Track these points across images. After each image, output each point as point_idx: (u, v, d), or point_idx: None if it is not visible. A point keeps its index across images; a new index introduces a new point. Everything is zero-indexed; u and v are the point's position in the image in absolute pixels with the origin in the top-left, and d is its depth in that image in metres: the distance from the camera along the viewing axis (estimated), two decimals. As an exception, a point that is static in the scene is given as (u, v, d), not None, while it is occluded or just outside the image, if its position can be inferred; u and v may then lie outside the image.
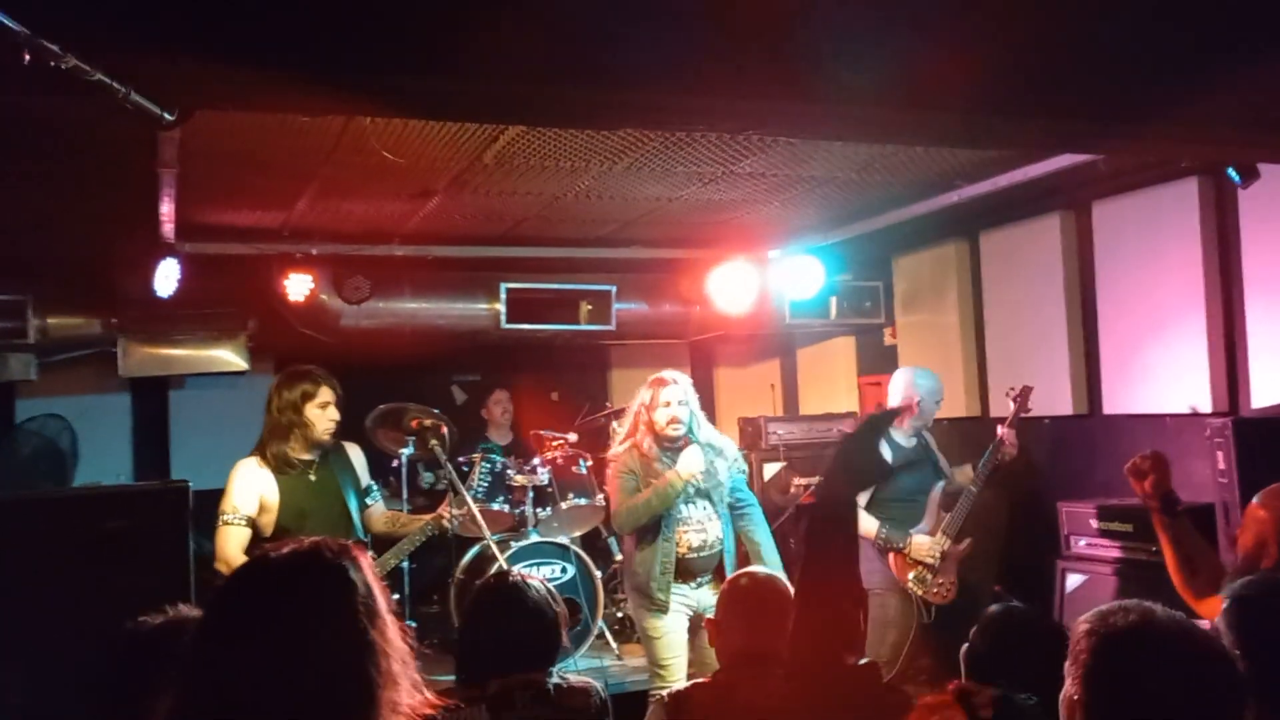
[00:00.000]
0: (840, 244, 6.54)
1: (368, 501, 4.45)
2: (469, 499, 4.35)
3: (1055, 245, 5.67)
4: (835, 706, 1.92)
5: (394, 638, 1.53)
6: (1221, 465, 4.21)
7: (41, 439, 6.29)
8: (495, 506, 5.88)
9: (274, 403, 4.26)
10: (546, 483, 6.11)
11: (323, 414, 4.23)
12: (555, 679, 2.61)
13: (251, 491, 4.15)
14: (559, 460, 6.23)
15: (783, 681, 2.06)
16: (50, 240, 5.65)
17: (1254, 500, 3.08)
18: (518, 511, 6.07)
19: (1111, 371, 5.44)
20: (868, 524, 4.97)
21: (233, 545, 4.07)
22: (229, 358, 6.58)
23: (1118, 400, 5.41)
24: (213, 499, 4.28)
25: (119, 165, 4.16)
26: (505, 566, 4.24)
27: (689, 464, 4.47)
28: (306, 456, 4.26)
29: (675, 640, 4.49)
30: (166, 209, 4.61)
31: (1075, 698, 1.82)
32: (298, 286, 5.84)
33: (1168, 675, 1.75)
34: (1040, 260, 5.76)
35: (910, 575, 5.00)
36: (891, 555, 5.02)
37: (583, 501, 6.14)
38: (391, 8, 2.07)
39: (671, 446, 4.59)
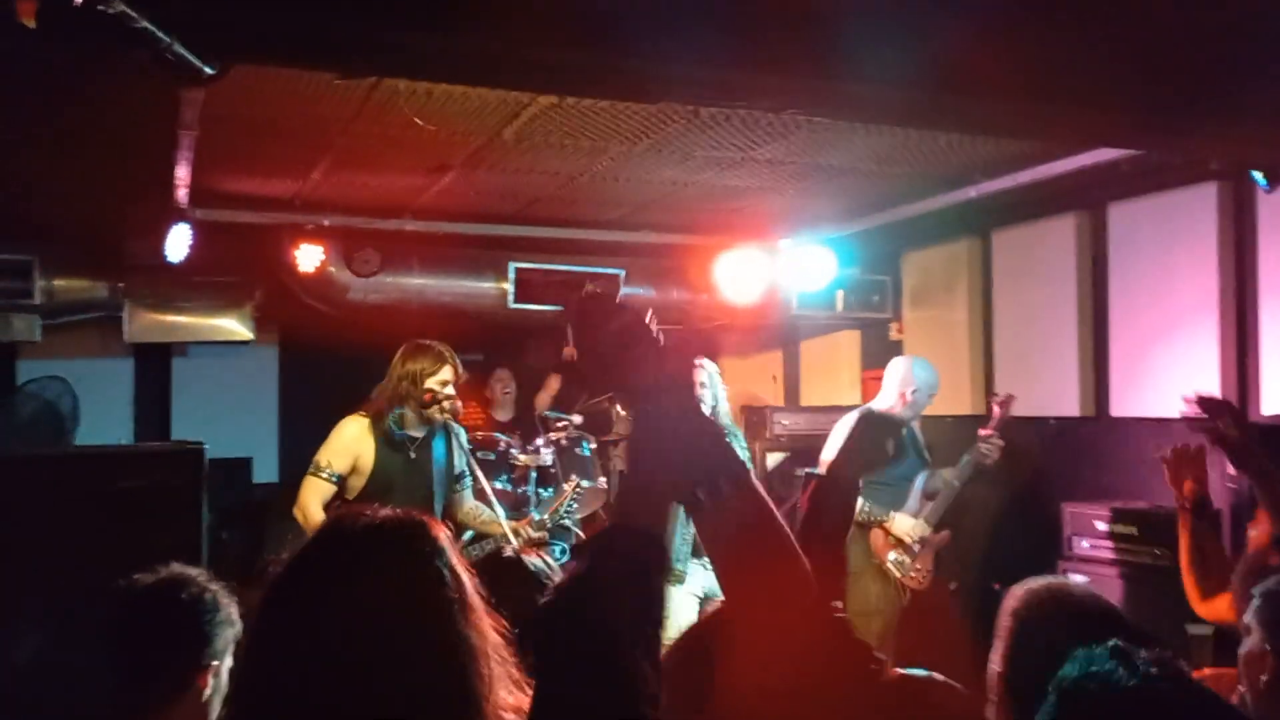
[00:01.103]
0: (850, 236, 6.53)
1: (457, 488, 4.46)
2: (483, 479, 4.36)
3: (1069, 246, 5.66)
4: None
5: (488, 631, 1.37)
6: (1231, 471, 4.22)
7: (41, 401, 6.25)
8: (498, 485, 5.87)
9: (395, 371, 4.27)
10: (550, 463, 6.10)
11: (440, 391, 4.23)
12: None
13: (350, 452, 4.18)
14: (562, 442, 6.22)
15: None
16: (61, 201, 5.61)
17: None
18: (519, 491, 6.06)
19: (1120, 374, 5.43)
20: None
21: (315, 498, 4.11)
22: (234, 327, 6.54)
23: (1126, 403, 5.41)
24: (215, 467, 4.28)
25: (137, 127, 4.12)
26: (515, 546, 4.25)
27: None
28: (415, 433, 4.26)
29: (680, 623, 4.48)
30: (182, 173, 4.57)
31: (997, 670, 1.93)
32: (308, 257, 5.81)
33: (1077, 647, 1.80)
34: (1053, 260, 5.74)
35: (890, 555, 5.06)
36: (873, 531, 5.08)
37: (585, 484, 6.13)
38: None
39: None
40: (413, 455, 4.28)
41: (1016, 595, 2.04)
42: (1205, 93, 2.84)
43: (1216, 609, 3.11)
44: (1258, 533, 3.07)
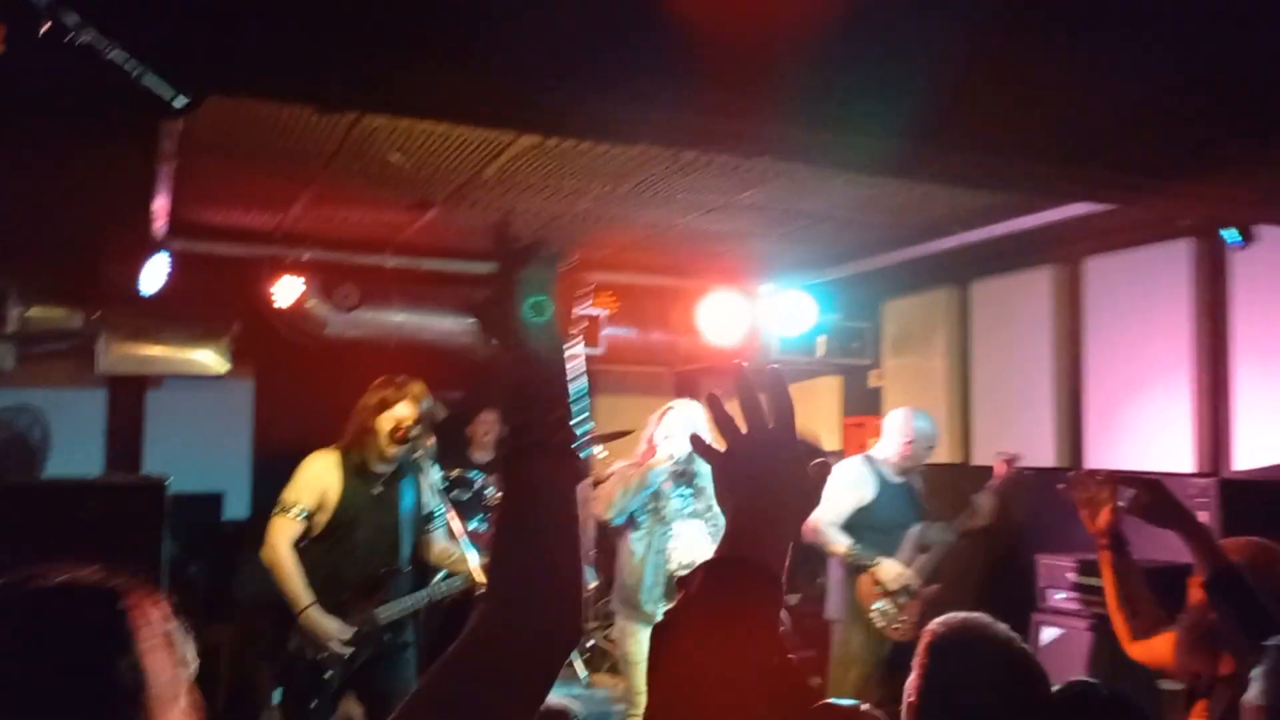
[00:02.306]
0: (832, 283, 6.56)
1: (428, 528, 4.39)
2: (455, 524, 4.31)
3: (1046, 298, 5.70)
4: None
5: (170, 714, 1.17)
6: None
7: (10, 431, 6.19)
8: (472, 526, 5.81)
9: (360, 403, 4.23)
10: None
11: (402, 424, 4.18)
12: None
13: (316, 486, 4.12)
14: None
15: None
16: (37, 230, 5.57)
17: (1229, 542, 3.05)
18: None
19: (1095, 427, 5.45)
20: (840, 540, 5.03)
21: (284, 537, 4.04)
22: (210, 360, 6.49)
23: (1100, 456, 5.42)
24: (184, 502, 4.23)
25: (116, 157, 4.11)
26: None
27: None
28: (380, 468, 4.21)
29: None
30: (161, 204, 4.55)
31: (910, 700, 2.01)
32: (287, 291, 5.78)
33: (987, 685, 1.95)
34: (1030, 312, 5.78)
35: (876, 605, 5.02)
36: (860, 578, 5.04)
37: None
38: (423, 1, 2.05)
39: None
40: (378, 491, 4.22)
41: (934, 630, 2.13)
42: (1178, 152, 2.87)
43: (1153, 651, 3.04)
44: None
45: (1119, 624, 3.12)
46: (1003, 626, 2.10)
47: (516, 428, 1.23)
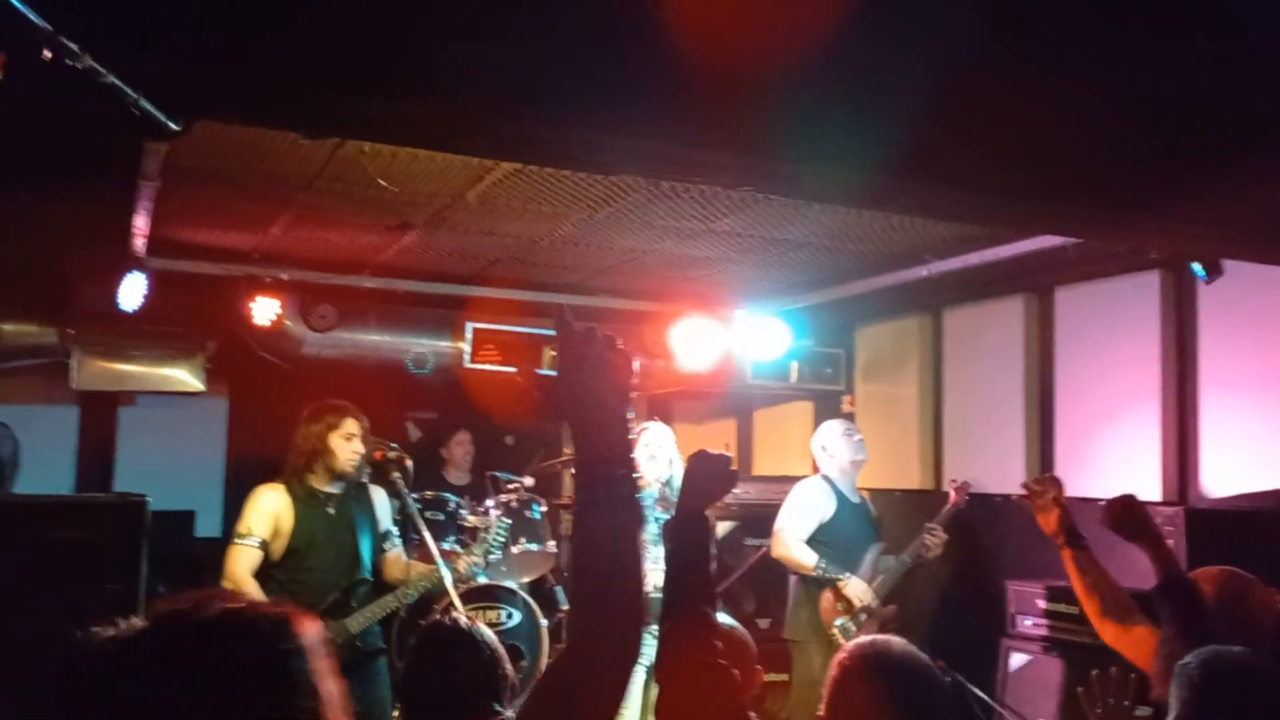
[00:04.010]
0: (805, 309, 6.62)
1: (385, 546, 4.46)
2: (427, 536, 4.34)
3: (1018, 326, 5.78)
4: None
5: None
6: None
7: (-19, 447, 6.12)
8: (446, 546, 5.80)
9: (299, 432, 4.28)
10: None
11: (346, 445, 4.28)
12: None
13: (267, 515, 4.17)
14: (513, 504, 6.19)
15: None
16: (12, 245, 5.54)
17: (1201, 571, 3.12)
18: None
19: (1065, 454, 5.52)
20: (807, 556, 5.08)
21: (242, 566, 4.11)
22: (185, 378, 6.47)
23: (1070, 483, 5.38)
24: (156, 519, 4.23)
25: (97, 175, 4.11)
26: (457, 606, 4.22)
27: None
28: (329, 489, 4.27)
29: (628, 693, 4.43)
30: (141, 223, 4.56)
31: (819, 716, 2.16)
32: (263, 310, 5.78)
33: (898, 702, 2.07)
34: (1002, 340, 5.86)
35: (837, 622, 5.06)
36: (823, 595, 5.08)
37: (534, 547, 6.10)
38: (407, 32, 2.09)
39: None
40: (332, 512, 4.28)
41: (845, 648, 2.27)
42: (1146, 187, 2.95)
43: (1130, 640, 3.10)
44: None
45: (1091, 611, 3.22)
46: (903, 644, 2.23)
47: (588, 483, 1.48)
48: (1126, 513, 3.03)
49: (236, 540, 4.14)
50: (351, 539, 4.31)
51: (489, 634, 2.79)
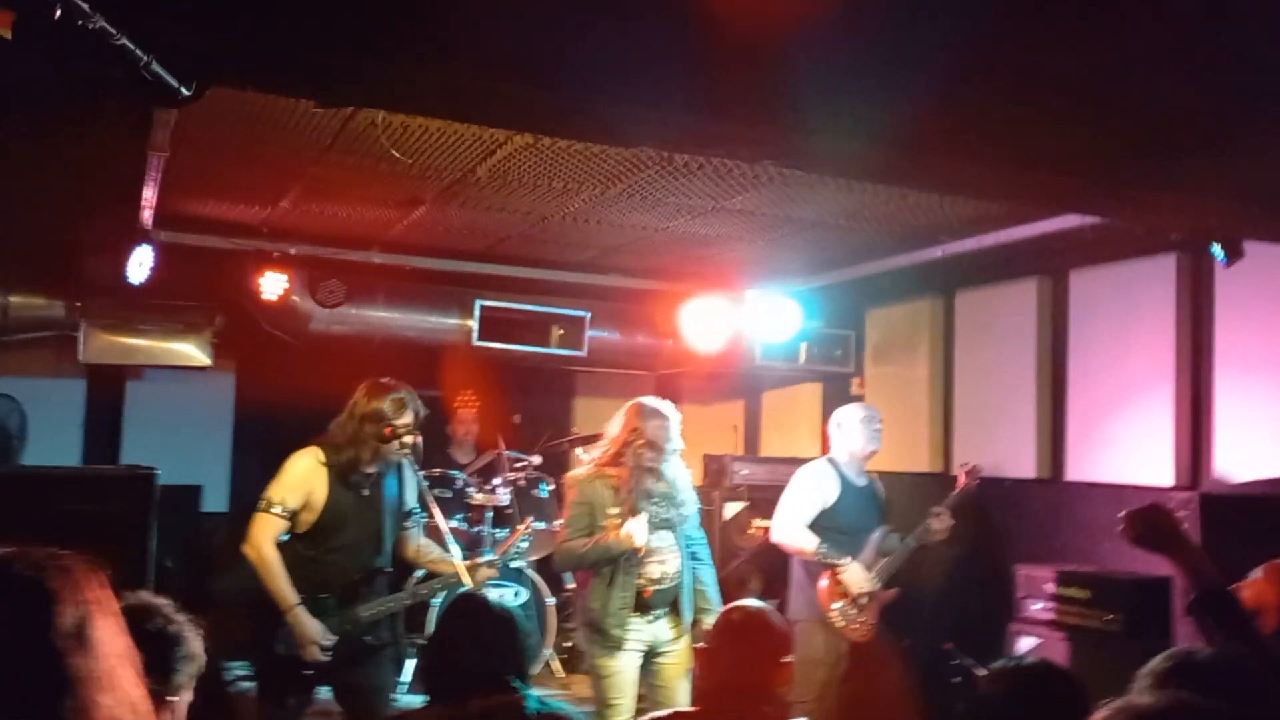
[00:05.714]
0: (815, 290, 6.58)
1: (405, 525, 4.38)
2: (439, 516, 4.29)
3: (1031, 309, 5.73)
4: None
5: (118, 681, 1.29)
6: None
7: (-11, 419, 6.12)
8: (452, 524, 5.78)
9: (356, 409, 4.17)
10: (507, 504, 6.05)
11: (401, 429, 4.15)
12: (535, 703, 2.57)
13: (303, 487, 4.09)
14: (520, 483, 6.18)
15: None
16: (21, 217, 5.53)
17: (1260, 570, 3.05)
18: (474, 531, 6.00)
19: (1077, 438, 5.49)
20: (808, 540, 5.04)
21: (267, 533, 4.02)
22: (192, 352, 6.45)
23: (1081, 468, 5.46)
24: (163, 493, 4.20)
25: (105, 146, 4.08)
26: (471, 586, 4.20)
27: (635, 535, 4.26)
28: (371, 470, 4.19)
29: (625, 680, 4.35)
30: (149, 195, 4.52)
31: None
32: (272, 285, 5.76)
33: None
34: (1015, 323, 5.82)
35: (835, 605, 5.04)
36: (823, 578, 5.06)
37: (542, 525, 6.08)
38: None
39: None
40: (366, 493, 4.21)
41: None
42: (1169, 166, 2.90)
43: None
44: (1251, 591, 3.04)
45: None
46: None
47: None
48: (1151, 524, 2.81)
49: (264, 508, 4.06)
50: (378, 523, 4.23)
51: (517, 610, 2.79)
